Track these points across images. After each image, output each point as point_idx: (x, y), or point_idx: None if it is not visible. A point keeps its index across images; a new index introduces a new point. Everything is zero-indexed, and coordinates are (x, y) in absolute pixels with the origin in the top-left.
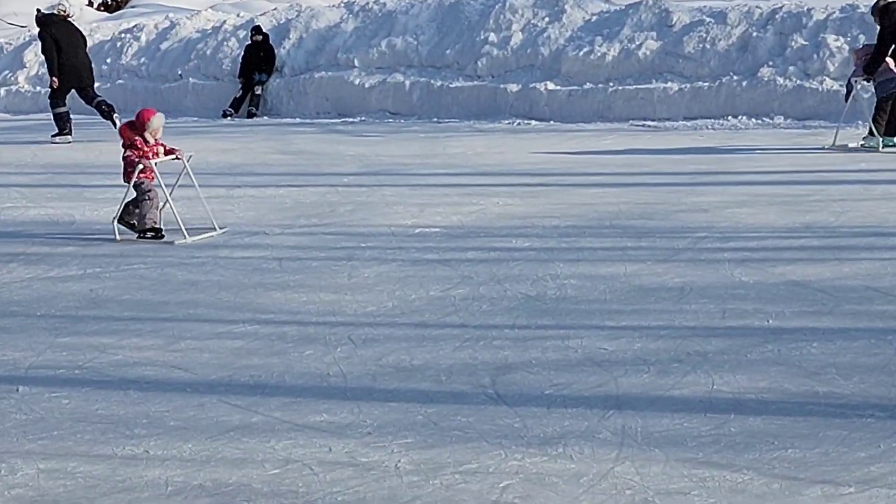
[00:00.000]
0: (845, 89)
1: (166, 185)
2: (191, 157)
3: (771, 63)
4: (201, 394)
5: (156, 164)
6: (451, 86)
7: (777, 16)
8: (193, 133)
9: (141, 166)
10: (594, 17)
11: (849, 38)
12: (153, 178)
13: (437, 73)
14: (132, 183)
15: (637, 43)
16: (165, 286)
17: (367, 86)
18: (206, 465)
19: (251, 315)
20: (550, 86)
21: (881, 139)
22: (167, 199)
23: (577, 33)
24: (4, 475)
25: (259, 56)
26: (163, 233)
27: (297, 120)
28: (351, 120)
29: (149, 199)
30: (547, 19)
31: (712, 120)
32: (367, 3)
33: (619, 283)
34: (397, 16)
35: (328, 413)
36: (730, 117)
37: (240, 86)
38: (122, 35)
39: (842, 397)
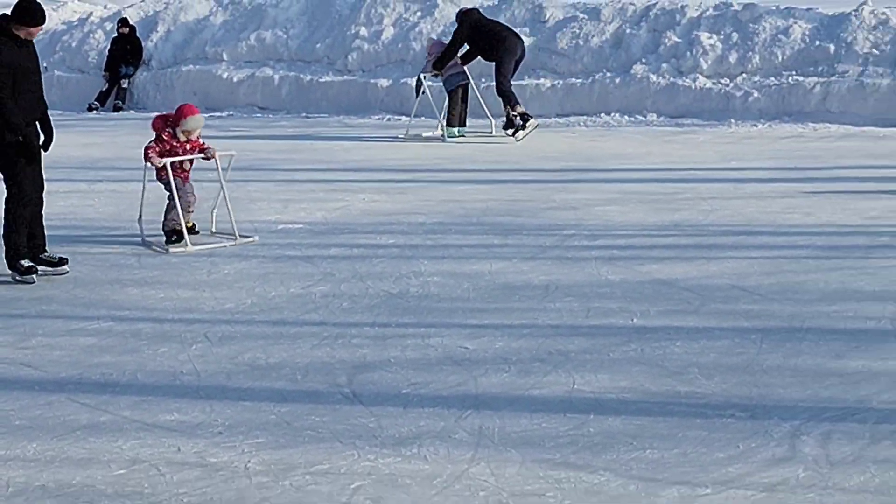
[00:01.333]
0: (415, 83)
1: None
2: (232, 157)
3: (644, 60)
4: (49, 392)
5: (168, 163)
6: (320, 80)
7: (651, 13)
8: (58, 126)
9: (160, 164)
10: None
11: (722, 36)
12: (187, 179)
13: (307, 67)
14: (163, 180)
15: None
16: (19, 282)
17: (235, 80)
18: (49, 466)
19: (106, 312)
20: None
21: (453, 129)
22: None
23: (450, 28)
24: None
25: (126, 49)
26: (184, 237)
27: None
28: (218, 114)
29: (174, 199)
30: (419, 14)
31: (585, 117)
32: None
33: (484, 280)
34: (267, 9)
35: (179, 412)
36: (602, 114)
37: (106, 79)
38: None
39: (703, 397)
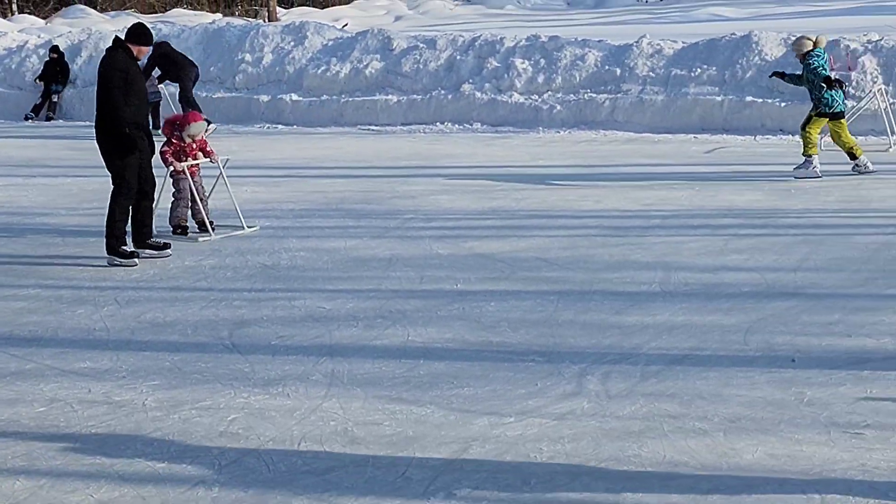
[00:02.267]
0: None
1: (205, 186)
2: (227, 160)
3: (471, 81)
4: None
5: (185, 167)
6: (214, 96)
7: (476, 43)
8: (0, 133)
9: (181, 168)
10: (330, 42)
11: (532, 62)
12: (195, 174)
13: (203, 85)
14: (172, 177)
15: (365, 63)
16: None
17: None
18: None
19: (35, 281)
20: (294, 97)
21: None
22: (197, 199)
23: (317, 55)
24: None
25: (56, 70)
26: (188, 231)
27: (87, 123)
28: None
29: (179, 198)
30: (293, 43)
31: (424, 125)
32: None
33: (340, 254)
34: (171, 39)
35: (91, 360)
36: (438, 123)
37: (41, 86)
38: None
39: (510, 346)
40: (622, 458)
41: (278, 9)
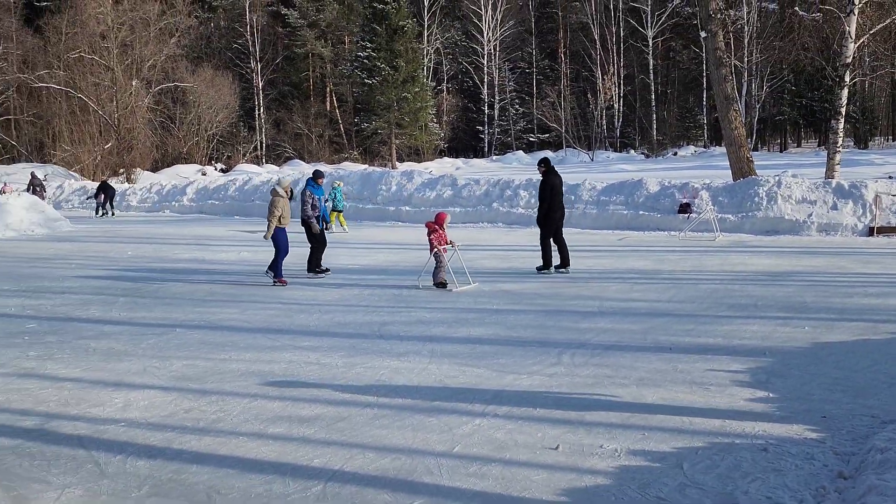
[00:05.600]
0: None
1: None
2: (458, 246)
3: (497, 201)
4: None
5: (445, 248)
6: (366, 207)
7: (500, 182)
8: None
9: (444, 250)
10: (425, 180)
11: (528, 192)
12: (446, 251)
13: (360, 201)
14: (434, 254)
15: (443, 192)
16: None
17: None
18: None
19: (277, 301)
20: (408, 209)
21: None
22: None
23: (419, 187)
24: None
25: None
26: (448, 286)
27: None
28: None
29: (440, 266)
30: (406, 180)
31: (473, 224)
32: (366, 170)
33: (433, 289)
34: (343, 178)
35: (309, 341)
36: (480, 223)
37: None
38: (228, 182)
39: (523, 338)
40: (582, 396)
41: (396, 163)
